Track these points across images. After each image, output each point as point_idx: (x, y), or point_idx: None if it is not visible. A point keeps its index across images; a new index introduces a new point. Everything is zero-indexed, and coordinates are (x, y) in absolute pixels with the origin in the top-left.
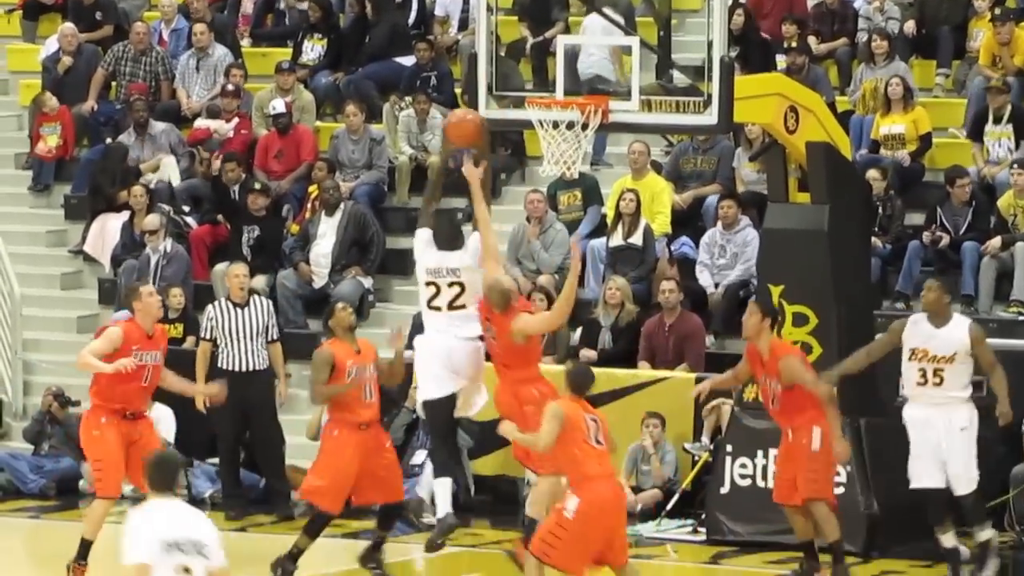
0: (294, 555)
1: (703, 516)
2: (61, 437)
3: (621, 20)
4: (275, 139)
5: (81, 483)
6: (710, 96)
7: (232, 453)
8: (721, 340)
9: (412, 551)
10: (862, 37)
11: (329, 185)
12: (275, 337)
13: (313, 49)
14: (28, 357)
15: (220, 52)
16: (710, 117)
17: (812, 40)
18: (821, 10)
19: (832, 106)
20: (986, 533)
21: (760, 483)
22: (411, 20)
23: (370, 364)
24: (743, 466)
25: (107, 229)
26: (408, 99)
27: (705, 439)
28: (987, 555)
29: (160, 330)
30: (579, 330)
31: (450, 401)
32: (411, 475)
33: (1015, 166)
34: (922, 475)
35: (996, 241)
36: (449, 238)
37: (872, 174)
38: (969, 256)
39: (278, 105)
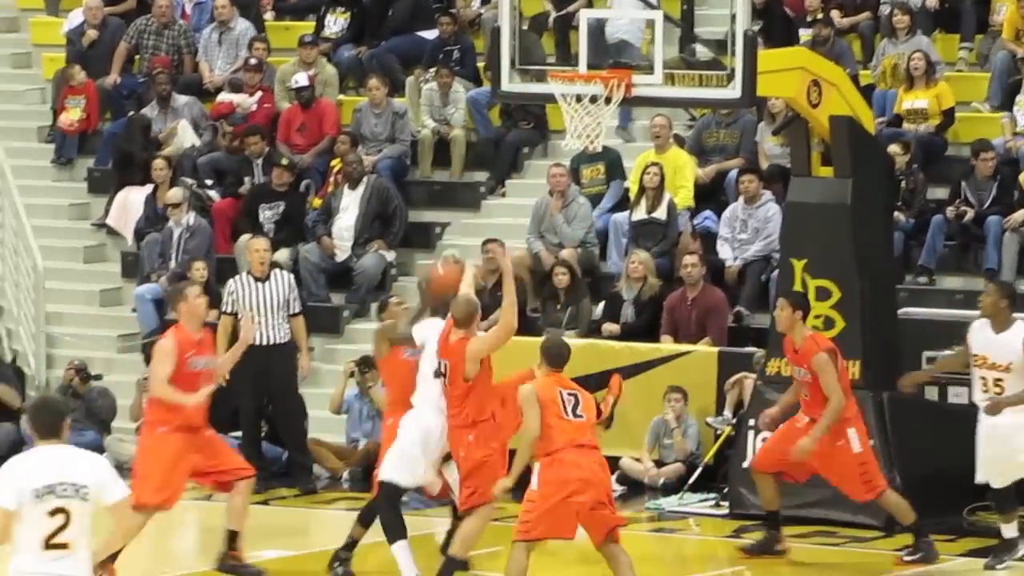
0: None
1: (726, 490)
2: (83, 411)
3: None
4: (298, 113)
5: (104, 456)
6: (733, 70)
7: (254, 427)
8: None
9: (434, 525)
10: (885, 11)
11: (352, 159)
12: (297, 310)
13: (336, 22)
14: (51, 330)
15: (243, 26)
16: (733, 91)
17: (835, 14)
18: None
19: (855, 80)
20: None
21: None
22: None
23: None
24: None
25: (130, 202)
26: (431, 73)
27: (727, 413)
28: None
29: (207, 332)
30: (602, 304)
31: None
32: None
33: None
34: (993, 477)
35: (1019, 215)
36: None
37: (894, 148)
38: (993, 230)
39: (301, 79)
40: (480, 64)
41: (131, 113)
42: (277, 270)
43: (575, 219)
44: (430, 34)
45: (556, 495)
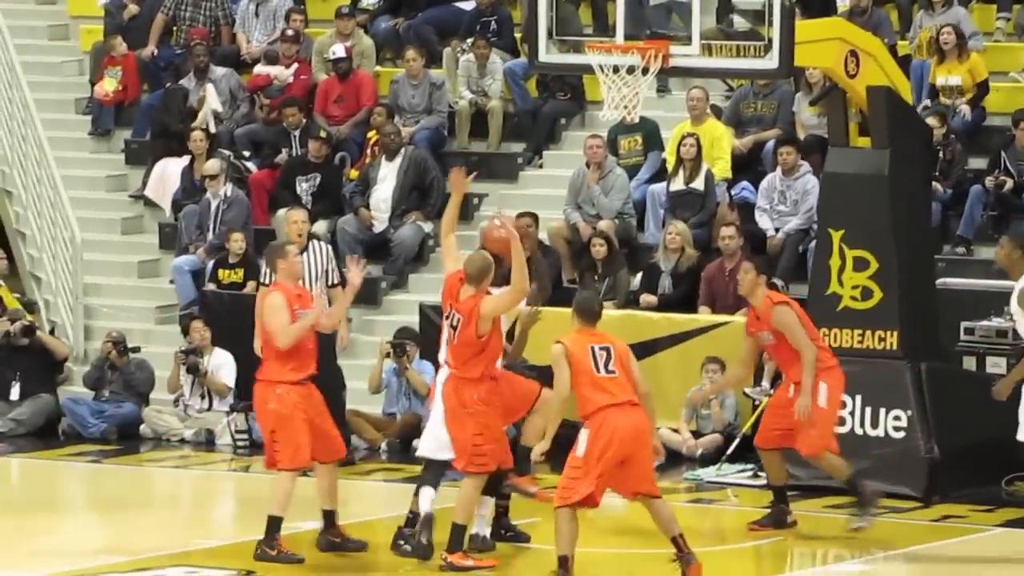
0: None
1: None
2: (121, 383)
3: None
4: (335, 84)
5: (142, 427)
6: (770, 40)
7: None
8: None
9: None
10: None
11: (389, 130)
12: (336, 281)
13: None
14: (89, 302)
15: None
16: (770, 61)
17: None
18: None
19: (893, 50)
20: None
21: None
22: None
23: None
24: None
25: (168, 173)
26: (468, 44)
27: (766, 383)
28: None
29: (304, 289)
30: (639, 275)
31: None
32: None
33: None
34: None
35: None
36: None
37: (931, 121)
38: None
39: (338, 50)
40: (517, 35)
41: (168, 84)
42: (315, 241)
43: (612, 190)
44: (467, 5)
45: (601, 464)
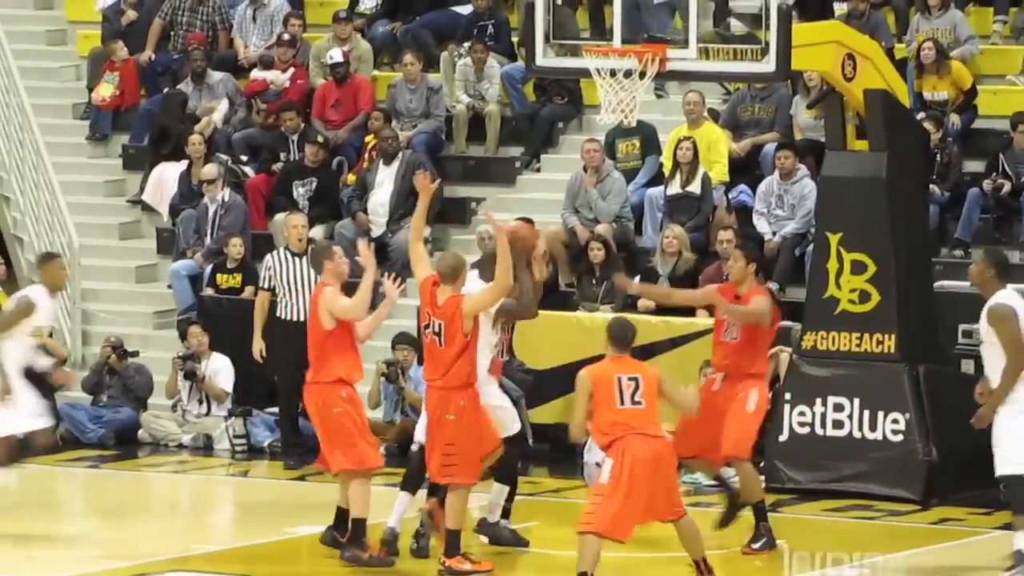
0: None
1: (762, 464)
2: (119, 388)
3: None
4: (332, 89)
5: (140, 432)
6: (767, 44)
7: (291, 403)
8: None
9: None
10: None
11: (387, 134)
12: None
13: None
14: (87, 307)
15: (277, 2)
16: (768, 65)
17: None
18: None
19: (890, 53)
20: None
21: (819, 431)
22: None
23: None
24: (802, 414)
25: (165, 178)
26: (465, 48)
27: None
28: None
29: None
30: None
31: None
32: None
33: None
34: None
35: None
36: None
37: (927, 125)
38: None
39: (335, 55)
40: (514, 39)
41: (167, 89)
42: (314, 245)
43: (610, 194)
44: (464, 9)
45: (626, 495)
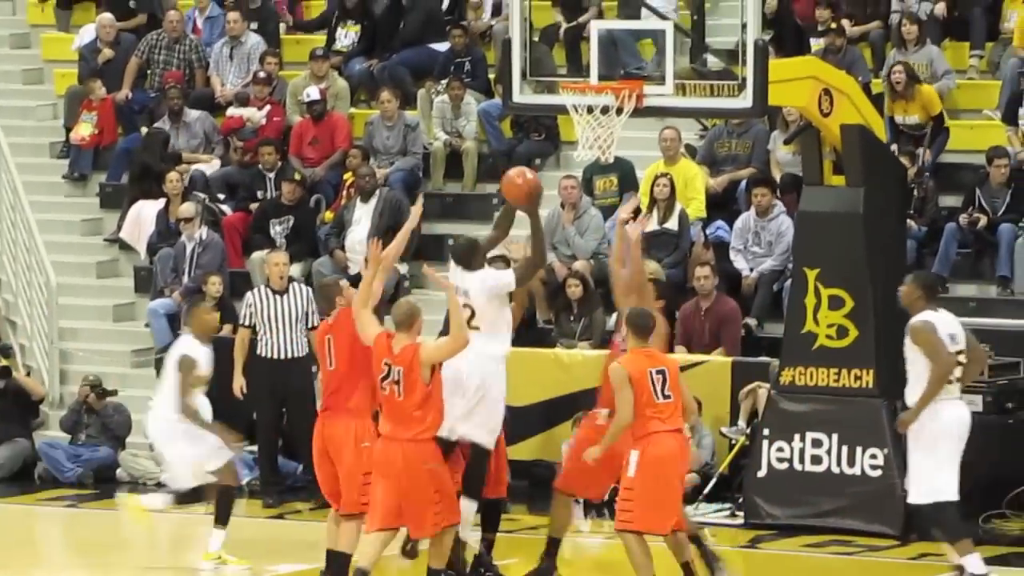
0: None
1: (741, 500)
2: (98, 427)
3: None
4: (309, 126)
5: (118, 471)
6: (744, 80)
7: (271, 440)
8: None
9: None
10: (895, 19)
11: (364, 172)
12: (316, 324)
13: (347, 35)
14: (64, 346)
15: (254, 40)
16: (744, 101)
17: (845, 23)
18: None
19: (867, 88)
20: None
21: (798, 466)
22: (444, 5)
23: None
24: (780, 449)
25: (143, 216)
26: (442, 85)
27: (742, 423)
28: None
29: None
30: (614, 316)
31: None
32: None
33: None
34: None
35: None
36: (461, 257)
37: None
38: (1006, 237)
39: (312, 92)
40: (491, 76)
41: (147, 128)
42: (295, 283)
43: (587, 230)
44: (441, 46)
45: (655, 487)
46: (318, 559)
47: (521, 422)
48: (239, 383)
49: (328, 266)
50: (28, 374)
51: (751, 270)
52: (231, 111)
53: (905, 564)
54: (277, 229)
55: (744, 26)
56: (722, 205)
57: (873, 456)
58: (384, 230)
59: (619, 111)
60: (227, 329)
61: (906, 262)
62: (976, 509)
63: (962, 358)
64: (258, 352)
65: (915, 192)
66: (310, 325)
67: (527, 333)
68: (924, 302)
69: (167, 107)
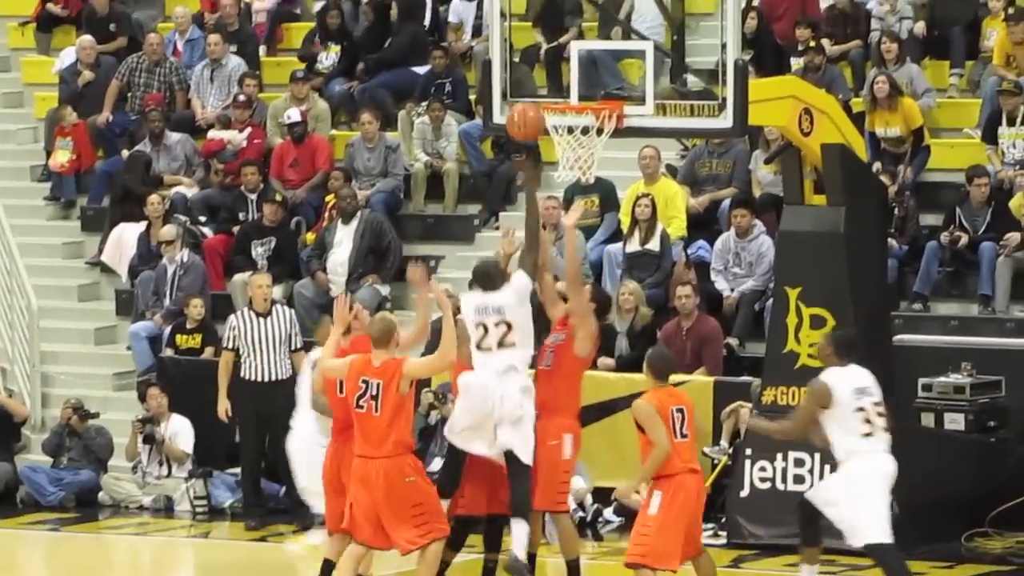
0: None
1: (723, 519)
2: (80, 450)
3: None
4: (290, 148)
5: (100, 495)
6: (724, 99)
7: (254, 463)
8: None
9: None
10: (875, 38)
11: (346, 193)
12: (299, 346)
13: (327, 57)
14: (46, 369)
15: (234, 62)
16: (725, 120)
17: (825, 42)
18: (834, 12)
19: (847, 107)
20: None
21: (780, 486)
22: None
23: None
24: (763, 469)
25: (124, 239)
26: (423, 106)
27: (724, 443)
28: None
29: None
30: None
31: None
32: None
33: (1018, 167)
34: None
35: (1014, 236)
36: (487, 279)
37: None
38: (987, 256)
39: (293, 114)
40: (472, 97)
41: (128, 151)
42: (278, 306)
43: None
44: (422, 68)
45: (673, 526)
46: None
47: None
48: (224, 406)
49: (310, 288)
50: (10, 395)
51: (732, 290)
52: (212, 133)
53: None
54: (259, 251)
55: (724, 46)
56: (703, 225)
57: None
58: (365, 252)
59: (600, 132)
60: (208, 352)
61: (887, 281)
62: (959, 528)
63: (880, 409)
64: (242, 375)
65: (896, 211)
66: (294, 347)
67: None
68: (835, 358)
69: (148, 130)
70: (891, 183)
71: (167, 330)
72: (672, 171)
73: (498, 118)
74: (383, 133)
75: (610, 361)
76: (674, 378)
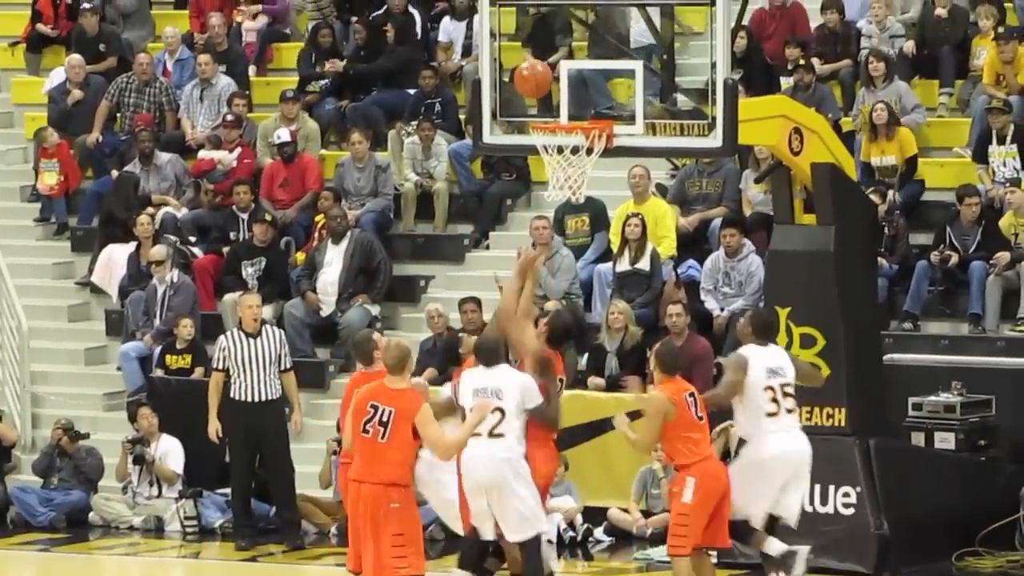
0: None
1: None
2: (70, 470)
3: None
4: (280, 168)
5: (91, 515)
6: (714, 119)
7: (244, 483)
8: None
9: None
10: (864, 57)
11: (336, 213)
12: (288, 366)
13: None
14: (36, 390)
15: (224, 82)
16: (714, 140)
17: (815, 61)
18: (824, 32)
19: (837, 126)
20: None
21: None
22: None
23: None
24: None
25: (114, 260)
26: (413, 126)
27: None
28: None
29: None
30: (585, 357)
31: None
32: None
33: (1008, 184)
34: None
35: (1004, 255)
36: (492, 355)
37: (873, 198)
38: (977, 275)
39: (283, 134)
40: (462, 117)
41: (117, 172)
42: (267, 326)
43: (559, 271)
44: (411, 88)
45: (705, 512)
46: None
47: None
48: (214, 427)
49: (300, 308)
50: (0, 418)
51: (722, 310)
52: (202, 154)
53: None
54: (249, 271)
55: (714, 65)
56: (693, 244)
57: (846, 494)
58: (356, 271)
59: (589, 151)
60: (198, 372)
61: (877, 300)
62: (949, 547)
63: (789, 391)
64: (232, 395)
65: (886, 230)
66: (284, 367)
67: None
68: (753, 337)
69: (138, 150)
70: (881, 202)
71: (157, 350)
72: (662, 190)
73: (488, 137)
74: (373, 153)
75: (600, 381)
76: None
